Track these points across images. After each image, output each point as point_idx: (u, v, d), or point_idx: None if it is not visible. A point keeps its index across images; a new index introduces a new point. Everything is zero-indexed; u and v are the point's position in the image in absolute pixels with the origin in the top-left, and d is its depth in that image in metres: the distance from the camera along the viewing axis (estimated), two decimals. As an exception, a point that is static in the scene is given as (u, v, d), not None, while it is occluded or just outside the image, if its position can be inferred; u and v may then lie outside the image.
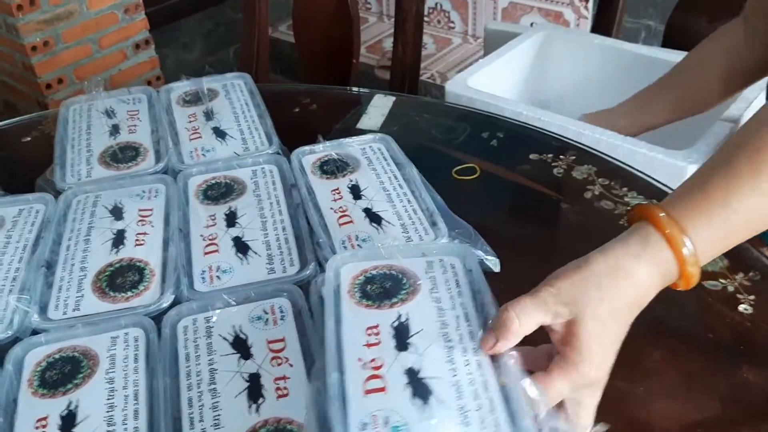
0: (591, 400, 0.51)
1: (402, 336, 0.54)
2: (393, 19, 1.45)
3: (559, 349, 0.50)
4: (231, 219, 0.79)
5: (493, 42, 1.41)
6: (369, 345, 0.53)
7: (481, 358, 0.52)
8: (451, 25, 2.80)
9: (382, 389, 0.49)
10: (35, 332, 0.67)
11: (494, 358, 0.52)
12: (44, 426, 0.58)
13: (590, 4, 2.39)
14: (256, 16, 1.59)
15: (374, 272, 0.61)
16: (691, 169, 1.00)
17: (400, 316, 0.56)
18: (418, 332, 0.54)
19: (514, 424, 0.47)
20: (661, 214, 0.51)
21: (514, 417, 0.48)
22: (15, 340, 0.66)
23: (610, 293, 0.49)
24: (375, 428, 0.47)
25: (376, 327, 0.55)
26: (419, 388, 0.49)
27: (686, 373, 0.66)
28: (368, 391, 0.49)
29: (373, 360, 0.52)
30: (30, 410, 0.59)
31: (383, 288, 0.59)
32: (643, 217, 0.52)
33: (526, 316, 0.50)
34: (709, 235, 0.51)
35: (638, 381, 0.64)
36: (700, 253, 0.51)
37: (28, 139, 1.06)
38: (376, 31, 2.88)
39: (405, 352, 0.52)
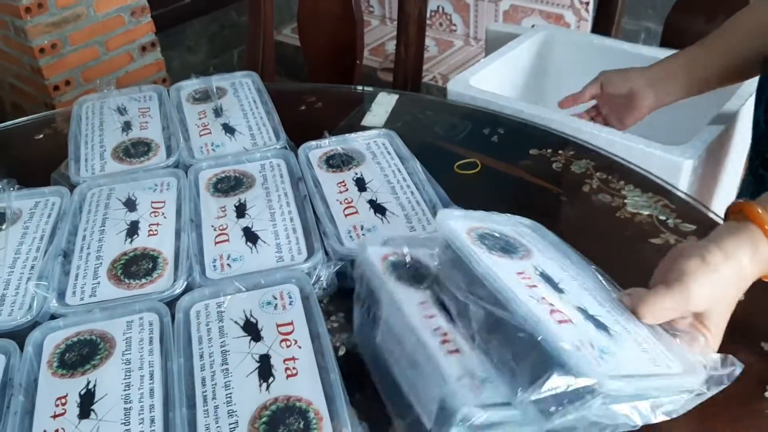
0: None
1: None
2: (396, 22, 1.48)
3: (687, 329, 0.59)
4: (241, 210, 0.81)
5: (495, 43, 1.43)
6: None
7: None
8: (453, 27, 2.83)
9: None
10: (53, 317, 0.69)
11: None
12: (64, 404, 0.60)
13: (590, 7, 2.42)
14: (261, 18, 1.62)
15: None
16: (688, 164, 1.03)
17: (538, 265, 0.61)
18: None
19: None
20: (759, 210, 0.59)
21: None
22: (34, 325, 0.69)
23: (733, 296, 0.59)
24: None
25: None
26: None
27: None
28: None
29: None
30: (50, 389, 0.62)
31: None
32: (747, 217, 0.60)
33: (663, 309, 0.58)
34: None
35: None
36: None
37: (41, 136, 1.09)
38: (379, 34, 2.91)
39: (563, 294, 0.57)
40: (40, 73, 2.09)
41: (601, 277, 0.65)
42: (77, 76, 2.17)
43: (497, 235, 0.64)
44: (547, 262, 0.62)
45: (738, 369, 0.56)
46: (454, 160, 0.96)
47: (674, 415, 0.53)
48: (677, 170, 1.02)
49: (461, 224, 0.63)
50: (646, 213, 0.85)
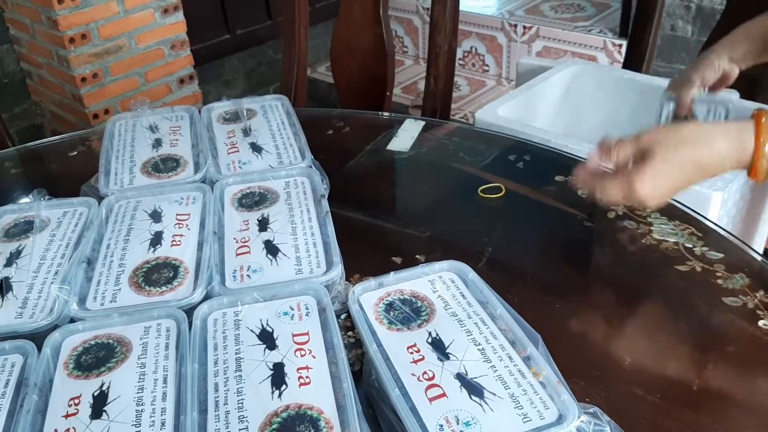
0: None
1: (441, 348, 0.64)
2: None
3: (629, 168, 0.66)
4: (263, 224, 0.82)
5: (526, 76, 1.44)
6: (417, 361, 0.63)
7: (509, 350, 0.64)
8: (486, 68, 2.86)
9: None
10: (73, 321, 0.70)
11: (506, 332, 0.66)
12: (77, 404, 0.60)
13: (623, 49, 2.43)
14: (295, 52, 1.65)
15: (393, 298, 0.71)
16: (717, 196, 1.01)
17: (429, 333, 0.66)
18: (451, 343, 0.65)
19: (554, 401, 0.59)
20: (765, 119, 0.62)
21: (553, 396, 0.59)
22: (54, 327, 0.69)
23: (687, 147, 0.62)
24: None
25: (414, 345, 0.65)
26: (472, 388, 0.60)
27: (705, 384, 0.66)
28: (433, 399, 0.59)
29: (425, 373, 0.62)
30: (64, 390, 0.62)
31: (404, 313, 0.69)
32: (756, 116, 0.63)
33: (623, 147, 0.66)
34: None
35: (656, 389, 0.65)
36: None
37: (75, 153, 1.12)
38: (412, 73, 2.95)
39: (449, 361, 0.63)
40: (81, 102, 2.16)
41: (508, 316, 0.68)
42: (116, 106, 2.23)
43: (406, 298, 0.71)
44: (446, 322, 0.68)
45: (604, 428, 0.57)
46: (478, 184, 0.96)
47: None
48: (706, 202, 1.01)
49: (372, 295, 0.72)
50: (672, 240, 0.84)
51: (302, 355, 0.64)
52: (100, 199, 0.89)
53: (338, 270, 0.74)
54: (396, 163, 1.05)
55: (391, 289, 0.73)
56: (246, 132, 1.02)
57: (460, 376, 0.61)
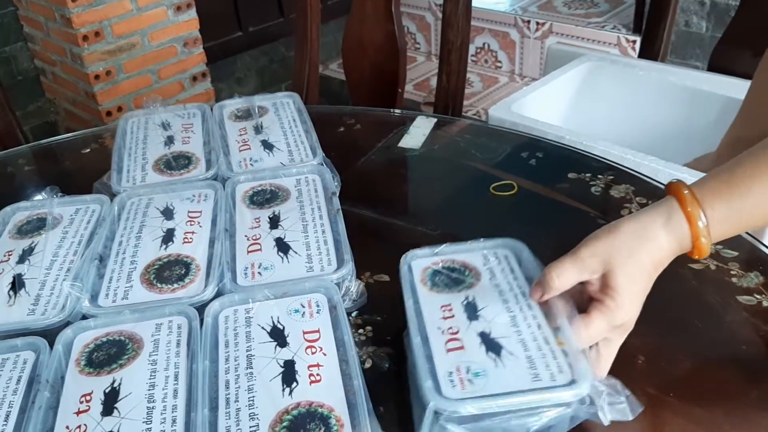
0: (618, 339, 0.61)
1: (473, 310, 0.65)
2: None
3: (597, 297, 0.60)
4: (274, 222, 0.82)
5: (555, 63, 1.43)
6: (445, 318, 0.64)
7: (540, 320, 0.63)
8: (498, 64, 2.85)
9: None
10: (85, 318, 0.70)
11: (545, 306, 0.64)
12: (88, 401, 0.61)
13: (637, 45, 2.41)
14: (307, 50, 1.65)
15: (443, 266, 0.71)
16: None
17: (467, 297, 0.67)
18: (485, 307, 0.65)
19: (572, 364, 0.58)
20: (685, 192, 0.59)
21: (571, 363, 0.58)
22: (66, 324, 0.69)
23: (638, 253, 0.59)
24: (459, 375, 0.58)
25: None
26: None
27: (718, 383, 0.66)
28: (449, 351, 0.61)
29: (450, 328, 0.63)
30: (76, 386, 0.62)
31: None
32: (672, 193, 0.60)
33: (565, 274, 0.61)
34: (724, 217, 0.59)
35: (671, 389, 0.64)
36: (714, 230, 0.59)
37: (88, 150, 1.12)
38: (425, 70, 2.94)
39: (477, 321, 0.64)
40: (94, 99, 2.17)
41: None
42: (129, 103, 2.24)
43: (454, 267, 0.71)
44: (487, 289, 0.68)
45: (621, 401, 0.56)
46: (490, 181, 0.96)
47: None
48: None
49: (422, 262, 0.72)
50: (687, 238, 0.83)
51: (313, 353, 0.64)
52: (112, 196, 0.89)
53: (349, 267, 0.74)
54: (407, 160, 1.04)
55: (444, 258, 0.72)
56: (257, 129, 1.02)
57: (483, 334, 0.62)
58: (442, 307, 0.66)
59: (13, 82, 2.30)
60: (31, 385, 0.63)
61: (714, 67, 1.42)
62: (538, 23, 2.68)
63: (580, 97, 1.42)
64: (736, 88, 1.26)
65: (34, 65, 2.36)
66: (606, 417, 0.55)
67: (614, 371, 0.66)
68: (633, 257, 0.59)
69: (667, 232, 0.59)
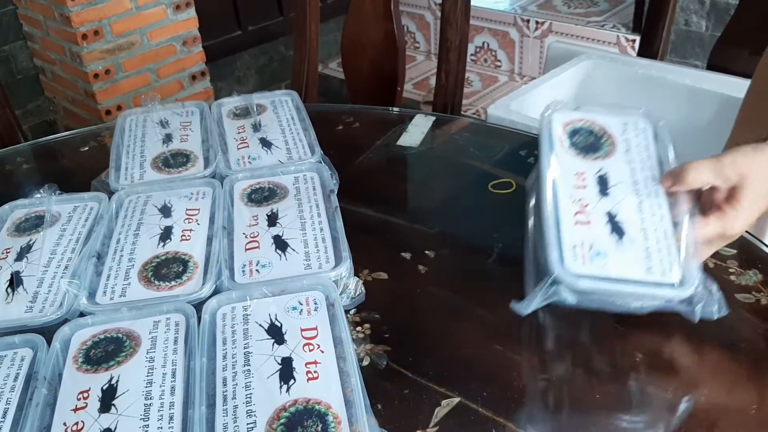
0: (719, 245, 0.67)
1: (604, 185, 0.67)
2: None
3: (719, 204, 0.64)
4: (272, 219, 0.82)
5: (555, 61, 1.43)
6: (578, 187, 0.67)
7: (663, 211, 0.66)
8: (498, 63, 2.85)
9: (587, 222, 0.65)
10: (83, 315, 0.70)
11: (671, 196, 0.66)
12: (86, 398, 0.61)
13: (637, 44, 2.41)
14: (306, 48, 1.65)
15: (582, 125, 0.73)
16: None
17: (601, 169, 0.69)
18: (616, 184, 0.68)
19: (683, 264, 0.62)
20: None
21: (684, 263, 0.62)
22: (63, 322, 0.69)
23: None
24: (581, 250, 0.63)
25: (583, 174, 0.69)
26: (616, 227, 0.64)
27: (718, 381, 0.66)
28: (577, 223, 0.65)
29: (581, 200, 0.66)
30: (73, 384, 0.62)
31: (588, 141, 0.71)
32: None
33: (703, 173, 0.63)
34: None
35: (668, 386, 0.64)
36: None
37: (86, 148, 1.12)
38: (424, 69, 2.94)
39: (606, 198, 0.66)
40: (94, 98, 2.17)
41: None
42: (129, 101, 2.24)
43: (594, 130, 0.72)
44: (621, 164, 0.69)
45: (721, 309, 0.63)
46: (488, 180, 0.96)
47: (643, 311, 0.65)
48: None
49: (562, 116, 0.73)
50: (685, 236, 0.83)
51: (310, 350, 0.64)
52: (110, 194, 0.89)
53: (347, 265, 0.74)
54: (406, 158, 1.04)
55: (584, 116, 0.73)
56: (256, 127, 1.02)
57: (610, 215, 0.65)
58: (577, 174, 0.68)
59: (12, 81, 2.30)
60: (29, 382, 0.63)
61: (713, 65, 1.42)
62: (537, 22, 2.68)
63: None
64: (735, 86, 1.26)
65: (33, 64, 2.36)
66: (696, 317, 0.63)
67: (613, 370, 0.66)
68: (766, 182, 0.62)
69: None
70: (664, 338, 0.70)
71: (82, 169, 1.05)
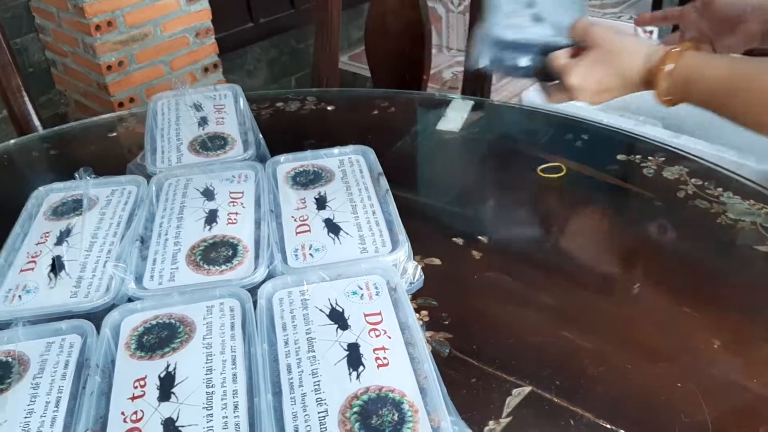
0: (567, 95, 0.76)
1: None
2: (451, 51, 1.45)
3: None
4: (321, 202, 0.79)
5: None
6: None
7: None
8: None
9: None
10: (130, 300, 0.67)
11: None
12: (143, 385, 0.57)
13: (654, 36, 2.38)
14: (327, 34, 1.61)
15: None
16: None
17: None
18: None
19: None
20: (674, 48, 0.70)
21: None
22: (111, 307, 0.66)
23: (617, 57, 0.72)
24: None
25: None
26: None
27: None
28: None
29: None
30: (128, 370, 0.59)
31: None
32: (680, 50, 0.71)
33: (580, 26, 0.75)
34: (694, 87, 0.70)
35: (752, 375, 0.61)
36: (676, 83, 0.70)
37: (114, 134, 1.09)
38: (437, 62, 2.90)
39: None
40: (106, 90, 2.13)
41: None
42: (141, 94, 2.20)
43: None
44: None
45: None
46: (536, 164, 0.92)
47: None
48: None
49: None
50: (749, 220, 0.79)
51: (377, 336, 0.60)
52: (148, 177, 0.85)
53: (405, 249, 0.70)
54: (448, 143, 1.01)
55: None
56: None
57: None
58: None
59: (24, 74, 2.25)
60: (81, 370, 0.59)
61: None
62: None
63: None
64: None
65: (45, 57, 2.32)
66: None
67: (691, 358, 0.63)
68: (611, 54, 0.72)
69: (645, 60, 0.71)
70: (739, 325, 0.67)
71: (113, 153, 1.02)
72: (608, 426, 0.57)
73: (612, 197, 0.88)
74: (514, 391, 0.61)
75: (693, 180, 0.87)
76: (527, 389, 0.61)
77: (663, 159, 0.92)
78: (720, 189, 0.85)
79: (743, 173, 0.93)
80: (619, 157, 0.93)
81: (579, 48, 0.75)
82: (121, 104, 2.17)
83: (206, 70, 2.36)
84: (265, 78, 2.88)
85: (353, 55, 2.91)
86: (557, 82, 0.76)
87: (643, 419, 0.58)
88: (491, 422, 0.58)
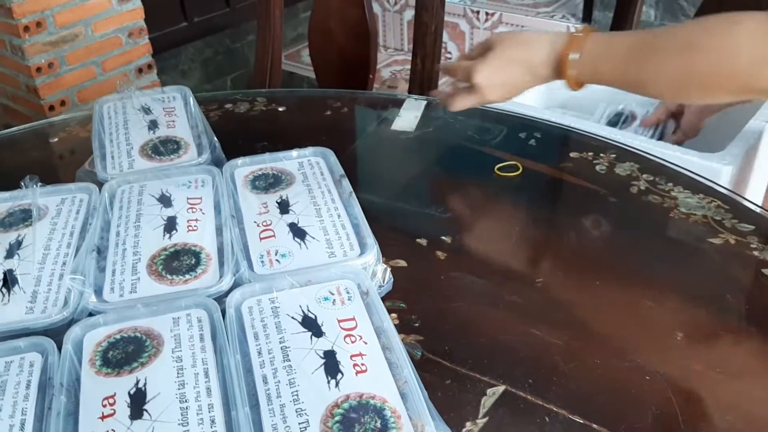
0: (474, 97, 0.78)
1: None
2: (389, 50, 1.46)
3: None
4: (284, 206, 0.77)
5: None
6: None
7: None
8: (448, 55, 2.83)
9: None
10: (91, 314, 0.64)
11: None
12: (112, 404, 0.55)
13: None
14: (270, 34, 1.59)
15: None
16: (726, 171, 1.01)
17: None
18: None
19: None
20: (576, 32, 0.71)
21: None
22: (70, 322, 0.63)
23: (519, 49, 0.74)
24: None
25: None
26: None
27: (757, 356, 0.65)
28: None
29: None
30: (95, 388, 0.56)
31: None
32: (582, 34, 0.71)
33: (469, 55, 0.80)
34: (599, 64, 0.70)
35: (715, 363, 0.63)
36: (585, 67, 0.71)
37: (56, 140, 1.04)
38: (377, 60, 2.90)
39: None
40: (36, 93, 2.04)
41: None
42: (73, 96, 2.12)
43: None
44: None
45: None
46: (492, 163, 0.93)
47: None
48: (716, 177, 1.00)
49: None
50: (700, 214, 0.82)
51: (353, 342, 0.60)
52: (99, 184, 0.82)
53: (374, 252, 0.70)
54: (404, 143, 1.00)
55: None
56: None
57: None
58: None
59: (-57, 77, 2.15)
60: (44, 390, 0.56)
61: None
62: (487, 13, 2.67)
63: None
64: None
65: (-33, 59, 2.21)
66: None
67: (658, 348, 0.65)
68: (512, 48, 0.74)
69: (550, 48, 0.72)
70: (700, 315, 0.69)
71: (56, 160, 0.98)
72: (582, 422, 0.58)
73: (568, 194, 0.90)
74: (489, 391, 0.61)
75: (644, 176, 0.89)
76: (501, 388, 0.61)
77: (614, 156, 0.94)
78: (671, 184, 0.88)
79: (691, 168, 0.96)
80: (572, 154, 0.95)
81: (483, 48, 0.76)
82: (51, 107, 2.08)
83: (140, 71, 2.29)
84: (200, 78, 2.82)
85: (289, 55, 2.88)
86: (465, 85, 0.77)
87: (616, 414, 0.59)
88: (468, 423, 0.58)
